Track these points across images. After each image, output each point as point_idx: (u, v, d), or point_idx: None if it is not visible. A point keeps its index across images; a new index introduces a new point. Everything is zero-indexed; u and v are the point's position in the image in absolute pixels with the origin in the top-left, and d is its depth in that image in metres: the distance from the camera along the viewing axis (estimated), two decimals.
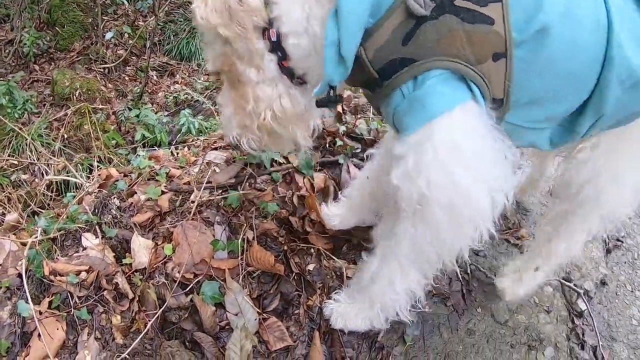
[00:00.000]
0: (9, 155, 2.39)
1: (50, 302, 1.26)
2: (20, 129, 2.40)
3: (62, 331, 1.23)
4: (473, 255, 1.44)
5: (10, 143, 2.41)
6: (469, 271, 1.39)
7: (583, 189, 1.09)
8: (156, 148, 1.63)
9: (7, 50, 3.49)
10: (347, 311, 1.21)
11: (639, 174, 1.09)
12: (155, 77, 3.46)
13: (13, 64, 3.44)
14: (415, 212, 0.91)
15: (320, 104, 0.98)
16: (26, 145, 2.38)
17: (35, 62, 3.39)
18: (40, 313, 1.24)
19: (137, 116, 2.22)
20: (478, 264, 1.42)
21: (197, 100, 3.03)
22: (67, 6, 3.54)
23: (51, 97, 2.93)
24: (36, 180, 2.34)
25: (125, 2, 3.52)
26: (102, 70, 3.36)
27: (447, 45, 0.82)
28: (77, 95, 2.92)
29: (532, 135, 0.98)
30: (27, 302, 1.24)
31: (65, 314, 1.23)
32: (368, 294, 1.16)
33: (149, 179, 1.41)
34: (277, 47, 0.91)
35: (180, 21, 3.85)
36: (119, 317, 1.22)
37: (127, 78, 3.42)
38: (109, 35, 3.35)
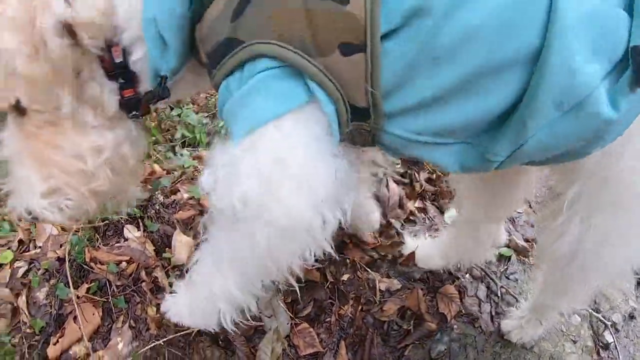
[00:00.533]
0: None
1: (88, 288, 1.29)
2: None
3: (97, 317, 1.26)
4: (504, 278, 1.45)
5: None
6: (499, 294, 1.40)
7: (573, 259, 0.86)
8: (197, 148, 1.67)
9: None
10: (178, 303, 1.04)
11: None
12: None
13: None
14: (228, 220, 0.75)
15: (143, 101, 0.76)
16: None
17: None
18: (78, 297, 1.28)
19: (179, 115, 2.23)
20: (509, 287, 1.43)
21: None
22: None
23: None
24: None
25: None
26: None
27: (279, 25, 0.61)
28: None
29: (432, 152, 0.72)
30: (66, 285, 1.28)
31: (103, 300, 1.27)
32: (193, 287, 0.98)
33: (192, 178, 1.45)
34: (120, 70, 0.71)
35: None
36: (154, 308, 1.25)
37: None
38: None
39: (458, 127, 0.67)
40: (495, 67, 0.60)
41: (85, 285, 1.30)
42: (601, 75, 0.59)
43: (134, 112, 0.76)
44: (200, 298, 0.96)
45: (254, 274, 0.85)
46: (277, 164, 0.66)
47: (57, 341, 1.20)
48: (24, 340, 1.22)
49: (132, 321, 1.26)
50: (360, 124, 0.69)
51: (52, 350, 1.18)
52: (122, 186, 0.84)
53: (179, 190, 1.40)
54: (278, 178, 0.67)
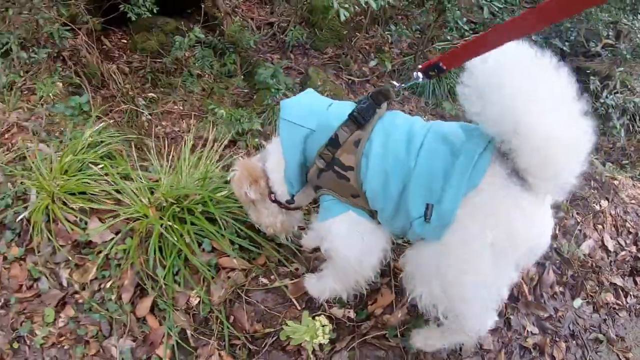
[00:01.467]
0: (261, 125, 3.56)
1: None
2: (277, 104, 3.67)
3: None
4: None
5: (263, 113, 3.70)
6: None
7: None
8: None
9: (265, 30, 4.73)
10: (312, 283, 1.75)
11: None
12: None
13: (270, 44, 4.54)
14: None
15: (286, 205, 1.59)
16: (273, 117, 3.66)
17: (291, 51, 4.26)
18: None
19: None
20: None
21: None
22: (327, 13, 4.19)
23: (300, 87, 3.72)
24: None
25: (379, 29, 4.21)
26: (347, 80, 4.02)
27: (331, 185, 1.35)
28: (325, 95, 3.86)
29: (397, 223, 1.34)
30: None
31: None
32: (321, 278, 1.68)
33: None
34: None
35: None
36: None
37: (365, 93, 3.98)
38: (372, 63, 4.11)
39: (395, 221, 1.36)
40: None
41: None
42: (419, 214, 1.21)
43: (282, 207, 1.65)
44: (323, 283, 1.71)
45: (343, 281, 1.61)
46: (338, 236, 1.43)
47: None
48: None
49: None
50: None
51: None
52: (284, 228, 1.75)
53: None
54: (340, 242, 1.44)
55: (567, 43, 3.82)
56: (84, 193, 1.99)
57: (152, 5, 3.65)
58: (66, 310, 1.79)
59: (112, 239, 1.86)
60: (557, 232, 2.28)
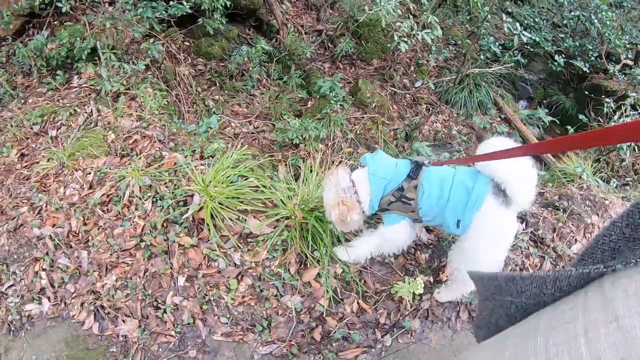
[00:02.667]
0: (316, 127, 4.06)
1: None
2: (333, 113, 4.18)
3: None
4: None
5: (322, 120, 4.20)
6: None
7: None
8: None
9: (313, 37, 5.15)
10: (342, 253, 2.36)
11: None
12: (424, 111, 4.56)
13: (319, 52, 4.94)
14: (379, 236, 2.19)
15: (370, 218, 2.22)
16: (332, 126, 4.17)
17: (340, 60, 4.67)
18: None
19: (411, 144, 3.81)
20: None
21: (450, 142, 4.25)
22: (373, 27, 4.66)
23: (351, 97, 4.15)
24: (328, 151, 4.11)
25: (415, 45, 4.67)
26: (390, 91, 4.47)
27: (397, 207, 1.99)
28: (373, 106, 4.12)
29: (435, 224, 2.10)
30: None
31: None
32: (354, 249, 2.34)
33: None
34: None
35: (451, 69, 5.00)
36: None
37: (405, 104, 4.54)
38: (418, 84, 4.49)
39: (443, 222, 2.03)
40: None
41: None
42: (453, 224, 1.97)
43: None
44: (361, 251, 2.31)
45: (382, 250, 2.31)
46: (397, 232, 2.14)
47: None
48: None
49: None
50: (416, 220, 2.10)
51: None
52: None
53: None
54: (396, 234, 2.14)
55: (586, 64, 4.40)
56: (237, 198, 2.52)
57: (222, 17, 4.05)
58: (245, 280, 2.35)
59: (271, 232, 2.44)
60: (555, 236, 2.89)
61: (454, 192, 1.94)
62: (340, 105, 4.19)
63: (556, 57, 4.23)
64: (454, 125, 4.60)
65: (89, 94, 3.51)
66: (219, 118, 4.06)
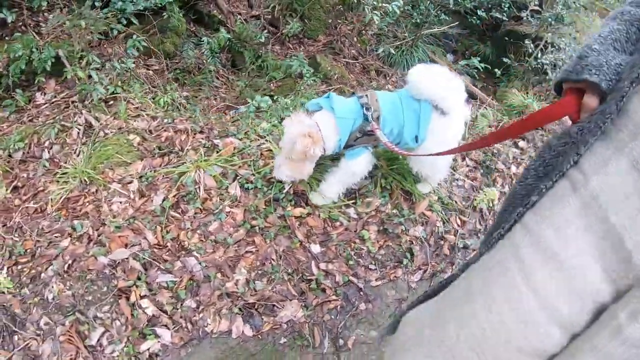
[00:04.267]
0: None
1: None
2: (303, 89, 4.23)
3: None
4: None
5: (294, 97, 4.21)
6: None
7: None
8: None
9: (253, 23, 5.04)
10: (317, 193, 2.49)
11: None
12: (375, 76, 4.80)
13: (267, 36, 4.78)
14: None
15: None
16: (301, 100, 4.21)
17: (289, 41, 4.74)
18: None
19: None
20: None
21: None
22: (312, 5, 4.71)
23: (314, 71, 4.26)
24: None
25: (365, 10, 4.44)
26: (344, 62, 4.65)
27: (363, 141, 2.20)
28: (335, 77, 4.28)
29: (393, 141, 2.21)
30: None
31: None
32: (327, 186, 2.45)
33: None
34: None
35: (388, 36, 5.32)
36: None
37: (358, 72, 4.73)
38: (380, 50, 4.75)
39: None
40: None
41: None
42: (412, 139, 2.31)
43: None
44: (336, 188, 2.44)
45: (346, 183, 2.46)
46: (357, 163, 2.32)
47: None
48: None
49: None
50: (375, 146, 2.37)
51: None
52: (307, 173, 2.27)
53: None
54: (358, 166, 2.32)
55: (504, 13, 5.19)
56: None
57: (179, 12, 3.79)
58: (371, 228, 2.58)
59: (369, 183, 2.67)
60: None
61: (407, 114, 2.21)
62: (313, 80, 4.28)
63: (478, 12, 4.94)
64: (403, 85, 4.98)
65: (67, 106, 2.98)
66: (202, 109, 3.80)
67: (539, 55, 4.66)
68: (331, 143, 2.15)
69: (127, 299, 2.08)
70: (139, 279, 2.15)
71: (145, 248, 2.24)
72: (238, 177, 2.49)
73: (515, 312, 0.75)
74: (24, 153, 2.79)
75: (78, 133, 2.84)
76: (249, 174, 2.54)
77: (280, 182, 2.44)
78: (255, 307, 2.12)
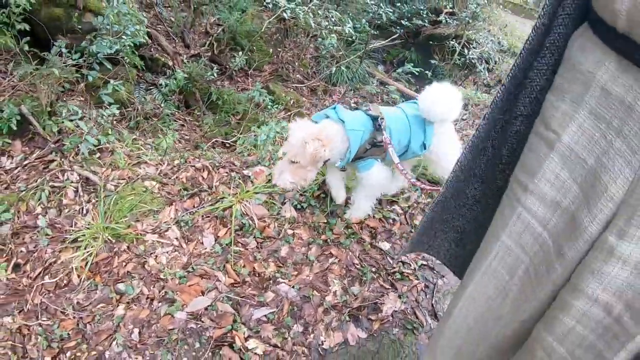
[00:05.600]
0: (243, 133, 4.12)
1: None
2: (268, 118, 4.19)
3: None
4: None
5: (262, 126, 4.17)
6: None
7: None
8: None
9: (194, 61, 4.85)
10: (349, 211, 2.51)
11: None
12: (322, 95, 5.00)
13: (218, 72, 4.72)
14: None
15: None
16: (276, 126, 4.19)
17: (236, 75, 4.77)
18: None
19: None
20: None
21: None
22: (251, 36, 4.83)
23: (272, 100, 4.35)
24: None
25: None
26: (293, 87, 4.77)
27: (373, 153, 2.16)
28: (292, 103, 4.41)
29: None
30: None
31: None
32: (356, 207, 2.45)
33: None
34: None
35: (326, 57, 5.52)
36: None
37: (307, 94, 4.88)
38: (333, 69, 4.96)
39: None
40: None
41: None
42: (420, 147, 2.33)
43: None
44: (358, 207, 2.46)
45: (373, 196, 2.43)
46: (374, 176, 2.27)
47: None
48: None
49: None
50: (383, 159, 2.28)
51: None
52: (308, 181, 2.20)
53: None
54: (375, 178, 2.27)
55: (426, 20, 5.70)
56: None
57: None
58: None
59: None
60: None
61: (414, 127, 2.26)
62: (276, 108, 4.30)
63: (402, 22, 5.37)
64: (350, 100, 5.22)
65: (46, 166, 2.57)
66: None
67: (465, 52, 5.23)
68: (338, 150, 2.10)
69: (230, 345, 1.83)
70: (234, 321, 1.90)
71: (223, 290, 1.99)
72: (288, 200, 2.39)
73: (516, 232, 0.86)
74: (12, 225, 2.30)
75: (76, 191, 2.45)
76: (297, 194, 2.52)
77: (326, 196, 2.38)
78: (360, 309, 2.04)
